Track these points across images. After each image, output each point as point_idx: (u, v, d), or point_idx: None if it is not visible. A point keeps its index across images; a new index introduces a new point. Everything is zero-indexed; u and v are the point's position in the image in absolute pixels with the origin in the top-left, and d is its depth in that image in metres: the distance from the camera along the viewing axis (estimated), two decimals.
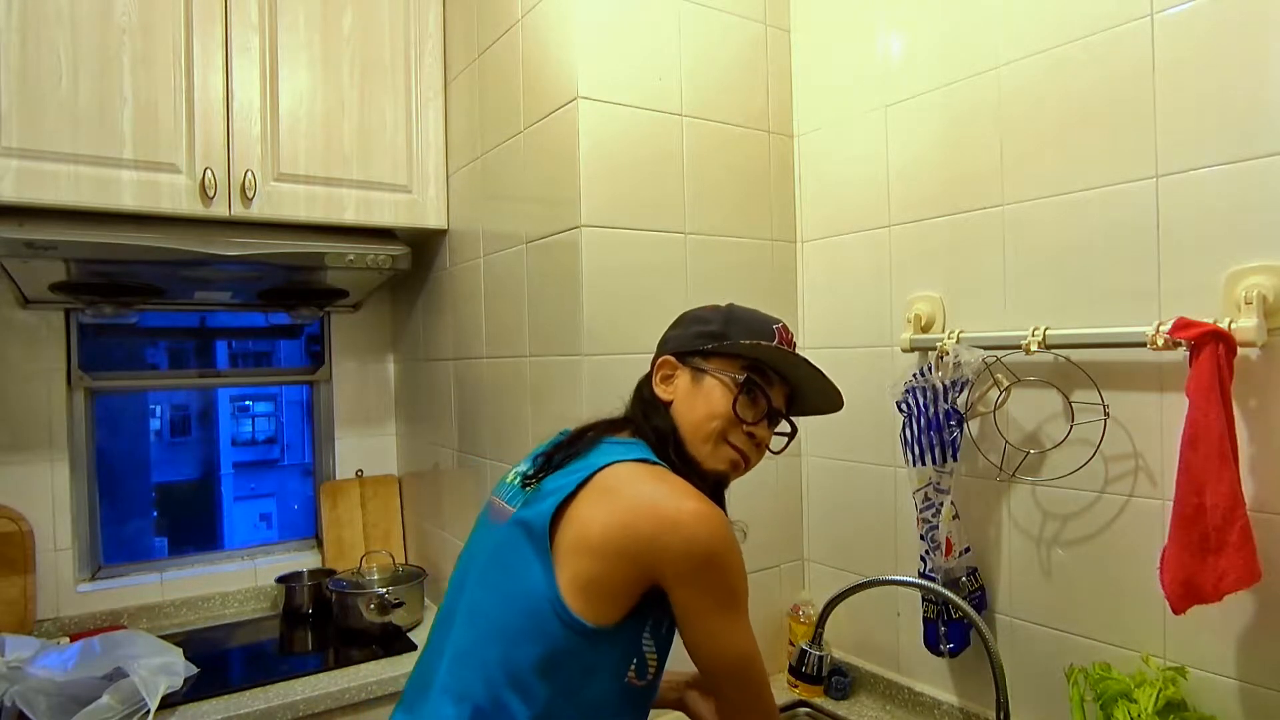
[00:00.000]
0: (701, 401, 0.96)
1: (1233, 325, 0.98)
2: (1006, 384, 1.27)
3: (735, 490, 1.64)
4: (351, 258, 1.81)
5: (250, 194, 1.69)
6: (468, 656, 0.89)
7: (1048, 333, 1.18)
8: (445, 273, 1.99)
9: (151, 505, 2.87)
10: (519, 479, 0.99)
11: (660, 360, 1.01)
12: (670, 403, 0.98)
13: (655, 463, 0.92)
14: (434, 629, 0.99)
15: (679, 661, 0.92)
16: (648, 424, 0.98)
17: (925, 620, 1.37)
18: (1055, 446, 1.22)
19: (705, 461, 0.96)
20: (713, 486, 0.98)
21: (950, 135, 1.38)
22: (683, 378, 0.99)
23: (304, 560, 2.20)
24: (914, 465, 1.33)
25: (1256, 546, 0.95)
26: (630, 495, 0.87)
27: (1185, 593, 0.98)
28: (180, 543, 2.90)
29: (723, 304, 1.05)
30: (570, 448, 0.96)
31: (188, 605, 2.02)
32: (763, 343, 0.97)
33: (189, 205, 1.64)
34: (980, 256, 1.33)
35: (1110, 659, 1.16)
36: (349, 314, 2.30)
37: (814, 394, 1.03)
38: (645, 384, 1.02)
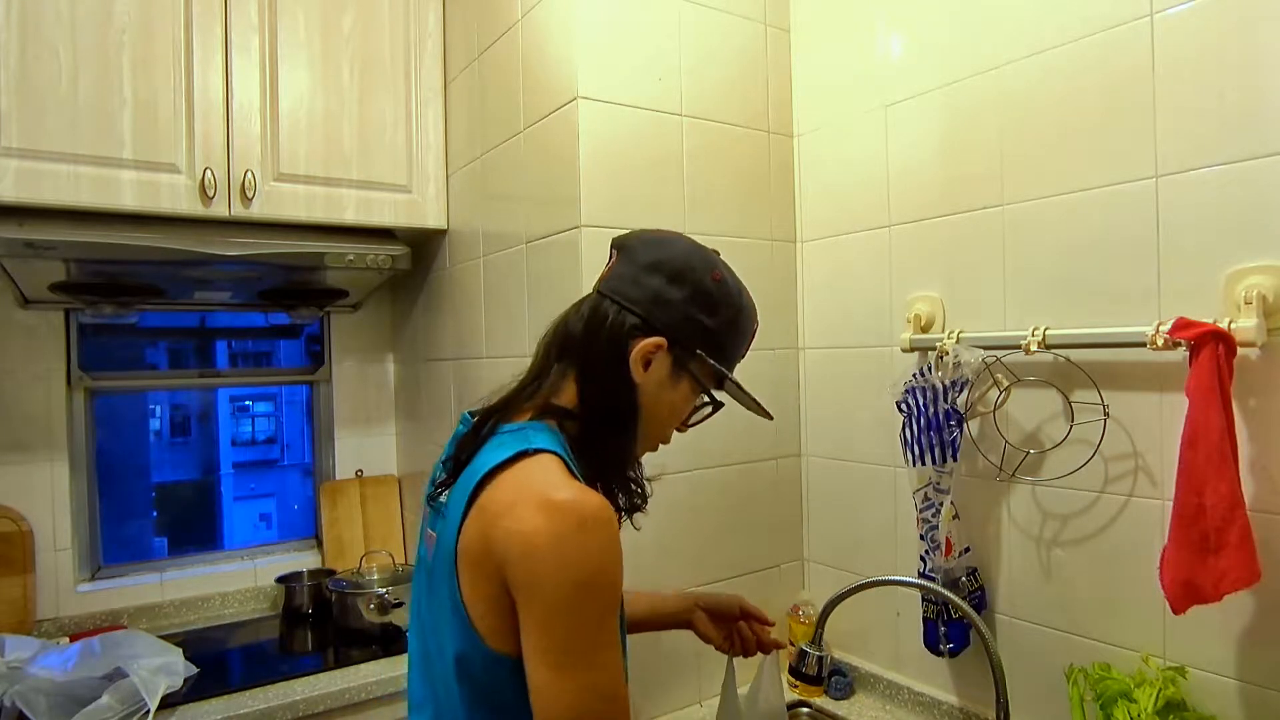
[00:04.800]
0: (667, 400, 0.88)
1: (1232, 325, 0.98)
2: (1006, 384, 1.27)
3: (737, 492, 1.64)
4: (351, 258, 1.81)
5: (250, 194, 1.69)
6: (425, 706, 0.88)
7: (1048, 333, 1.17)
8: (445, 273, 1.99)
9: (151, 505, 2.86)
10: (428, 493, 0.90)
11: (654, 343, 0.85)
12: (637, 385, 0.86)
13: (538, 450, 0.79)
14: (408, 663, 0.95)
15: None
16: (603, 401, 0.85)
17: (925, 620, 1.37)
18: (1055, 446, 1.22)
19: (638, 451, 0.91)
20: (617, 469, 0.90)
21: (950, 135, 1.38)
22: (662, 367, 0.87)
23: (304, 560, 2.20)
24: (914, 465, 1.33)
25: (1256, 546, 0.95)
26: (489, 502, 0.76)
27: (1185, 593, 0.98)
28: (180, 543, 2.89)
29: (724, 275, 0.91)
30: (467, 448, 0.85)
31: (188, 605, 2.02)
32: (750, 395, 0.92)
33: (189, 205, 1.64)
34: (980, 256, 1.33)
35: (1110, 659, 1.16)
36: (349, 314, 2.29)
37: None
38: (608, 343, 0.85)
